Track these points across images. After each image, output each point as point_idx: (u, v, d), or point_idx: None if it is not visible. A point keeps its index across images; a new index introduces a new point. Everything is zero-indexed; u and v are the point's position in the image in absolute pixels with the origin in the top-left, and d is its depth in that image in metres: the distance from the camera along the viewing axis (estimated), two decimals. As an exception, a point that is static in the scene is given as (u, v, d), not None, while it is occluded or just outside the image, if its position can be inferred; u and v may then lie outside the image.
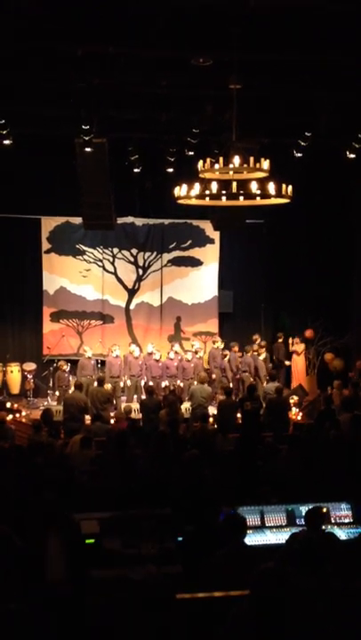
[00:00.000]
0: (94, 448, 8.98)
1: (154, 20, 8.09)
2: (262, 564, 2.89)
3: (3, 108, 11.12)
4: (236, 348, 14.98)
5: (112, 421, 11.72)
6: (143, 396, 13.32)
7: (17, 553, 5.04)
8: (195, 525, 5.95)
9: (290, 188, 9.77)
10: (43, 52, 9.18)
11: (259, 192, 9.39)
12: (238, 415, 12.11)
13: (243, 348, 15.11)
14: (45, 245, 15.84)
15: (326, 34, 8.37)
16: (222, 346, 15.05)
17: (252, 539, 5.29)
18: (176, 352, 14.74)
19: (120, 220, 14.74)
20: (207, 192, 9.63)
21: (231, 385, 14.13)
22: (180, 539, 5.93)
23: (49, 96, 10.99)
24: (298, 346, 15.59)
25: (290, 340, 15.65)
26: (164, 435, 8.69)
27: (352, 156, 12.13)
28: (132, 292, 16.32)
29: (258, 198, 9.73)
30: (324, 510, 5.90)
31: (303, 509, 5.91)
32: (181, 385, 14.20)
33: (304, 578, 3.67)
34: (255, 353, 14.79)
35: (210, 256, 16.49)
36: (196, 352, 14.95)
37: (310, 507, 5.71)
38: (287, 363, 15.65)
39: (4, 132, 11.59)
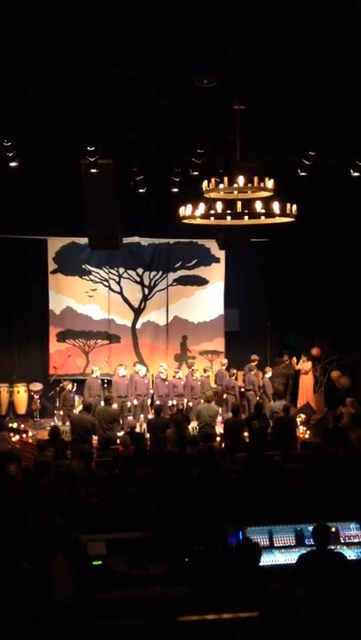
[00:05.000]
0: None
1: (158, 42, 8.17)
2: (272, 584, 2.86)
3: (9, 131, 11.22)
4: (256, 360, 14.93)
5: (118, 441, 11.70)
6: (150, 416, 13.29)
7: (22, 575, 5.01)
8: (202, 546, 5.91)
9: (294, 206, 9.81)
10: (47, 75, 9.27)
11: (263, 211, 9.43)
12: (245, 434, 12.06)
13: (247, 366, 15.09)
14: (51, 266, 15.91)
15: (328, 55, 8.42)
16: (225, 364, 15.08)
17: (261, 559, 5.24)
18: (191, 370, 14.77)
19: (126, 240, 14.80)
20: (212, 212, 9.68)
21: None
22: (188, 560, 5.89)
23: (54, 118, 11.09)
24: (305, 364, 15.55)
25: (293, 361, 15.58)
26: (171, 455, 8.66)
27: (356, 174, 12.17)
28: (138, 312, 16.34)
29: (262, 217, 9.77)
30: (333, 530, 5.86)
31: (312, 529, 5.85)
32: (190, 404, 14.18)
33: (314, 599, 3.63)
34: (253, 372, 14.78)
35: (215, 275, 16.52)
36: (205, 370, 14.93)
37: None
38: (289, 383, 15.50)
39: (11, 155, 11.68)
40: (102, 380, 14.61)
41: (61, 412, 14.02)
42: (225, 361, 15.43)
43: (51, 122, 11.23)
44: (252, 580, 4.72)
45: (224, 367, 15.14)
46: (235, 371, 14.89)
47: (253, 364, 14.99)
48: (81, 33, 7.83)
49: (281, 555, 6.08)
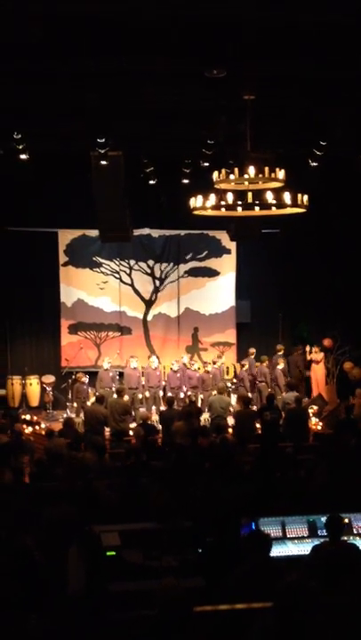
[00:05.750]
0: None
1: (167, 33, 8.12)
2: (286, 576, 2.87)
3: (18, 124, 11.22)
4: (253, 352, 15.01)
5: (130, 433, 11.74)
6: (162, 407, 13.31)
7: (36, 567, 5.04)
8: (215, 538, 5.92)
9: (305, 197, 9.75)
10: (57, 68, 9.25)
11: (274, 202, 9.39)
12: (257, 425, 12.06)
13: (259, 357, 15.10)
14: (62, 258, 15.93)
15: (339, 46, 8.35)
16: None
17: (273, 550, 5.24)
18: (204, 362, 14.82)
19: (136, 232, 14.79)
20: (223, 203, 9.64)
21: (250, 394, 14.10)
22: (201, 551, 5.90)
23: (64, 110, 11.07)
24: (317, 355, 15.51)
25: (307, 349, 15.58)
26: (181, 447, 8.67)
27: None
28: (149, 304, 16.35)
29: (273, 208, 9.73)
30: (346, 521, 5.85)
31: (325, 520, 5.85)
32: (201, 396, 14.20)
33: (327, 591, 3.63)
34: (267, 363, 14.79)
35: (226, 266, 16.49)
36: (213, 362, 14.95)
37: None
38: (307, 373, 15.56)
39: (21, 147, 11.69)
40: (115, 372, 14.65)
41: (75, 405, 14.07)
42: (253, 350, 15.34)
43: (60, 114, 11.22)
44: (263, 572, 4.73)
45: (252, 356, 15.10)
46: (245, 362, 14.92)
47: (280, 353, 15.00)
48: (90, 26, 7.80)
49: (294, 546, 6.09)
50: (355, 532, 6.23)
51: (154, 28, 8.01)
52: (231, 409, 12.98)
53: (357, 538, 6.14)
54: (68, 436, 10.46)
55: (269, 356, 15.13)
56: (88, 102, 10.32)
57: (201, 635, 3.72)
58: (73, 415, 13.55)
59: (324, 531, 5.74)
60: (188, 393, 14.26)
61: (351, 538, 6.07)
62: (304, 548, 5.85)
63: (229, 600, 4.43)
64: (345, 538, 5.78)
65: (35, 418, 13.94)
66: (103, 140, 10.92)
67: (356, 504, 6.55)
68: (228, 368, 15.73)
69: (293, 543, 6.11)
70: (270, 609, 2.81)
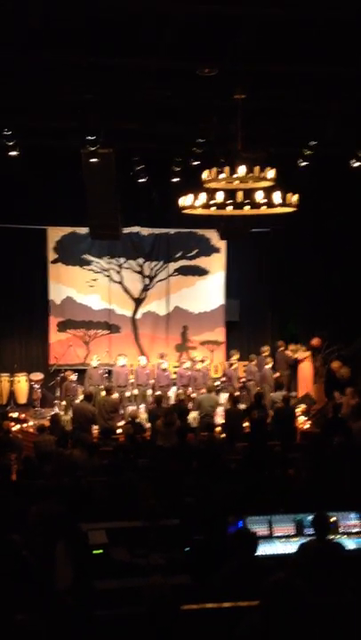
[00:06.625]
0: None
1: (159, 31, 8.13)
2: (273, 575, 2.88)
3: (9, 120, 11.18)
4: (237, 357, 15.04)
5: (119, 431, 11.74)
6: (151, 405, 13.32)
7: (24, 564, 5.04)
8: (203, 536, 5.94)
9: (295, 196, 9.78)
10: (48, 64, 9.23)
11: (264, 201, 9.41)
12: (246, 424, 12.09)
13: (248, 356, 15.14)
14: (52, 255, 15.89)
15: (329, 45, 8.39)
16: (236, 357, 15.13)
17: (260, 549, 5.27)
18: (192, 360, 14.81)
19: (126, 230, 14.77)
20: (213, 202, 9.66)
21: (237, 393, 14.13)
22: (188, 549, 5.91)
23: (55, 107, 11.05)
24: (303, 353, 15.53)
25: (290, 347, 15.59)
26: (160, 447, 8.68)
27: (357, 164, 12.13)
28: (138, 302, 16.34)
29: (263, 207, 9.75)
30: (332, 519, 5.89)
31: (311, 519, 5.88)
32: (194, 394, 14.23)
33: (314, 589, 3.65)
34: (255, 362, 14.82)
35: (216, 265, 16.51)
36: (202, 361, 14.97)
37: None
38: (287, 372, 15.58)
39: (11, 144, 11.64)
40: (104, 370, 14.64)
41: (63, 402, 14.05)
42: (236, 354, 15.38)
43: (51, 111, 11.19)
44: (250, 570, 4.74)
45: (253, 362, 15.12)
46: (233, 361, 14.95)
47: (267, 353, 15.08)
48: (82, 21, 7.79)
49: (281, 544, 6.11)
50: (341, 530, 6.27)
51: (146, 25, 8.01)
52: (219, 407, 13.00)
53: (344, 536, 6.18)
54: (54, 433, 10.45)
55: (258, 354, 15.16)
56: (79, 99, 10.30)
57: (188, 633, 3.73)
58: (62, 413, 13.54)
59: (311, 529, 5.77)
60: (179, 391, 14.27)
61: (338, 536, 6.11)
62: (291, 547, 5.88)
63: (216, 598, 4.45)
64: (331, 536, 5.81)
65: (23, 415, 13.91)
66: (94, 138, 10.89)
67: (343, 503, 6.59)
68: (216, 367, 15.76)
69: (280, 542, 6.14)
70: (257, 607, 2.82)
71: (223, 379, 15.02)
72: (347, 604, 4.14)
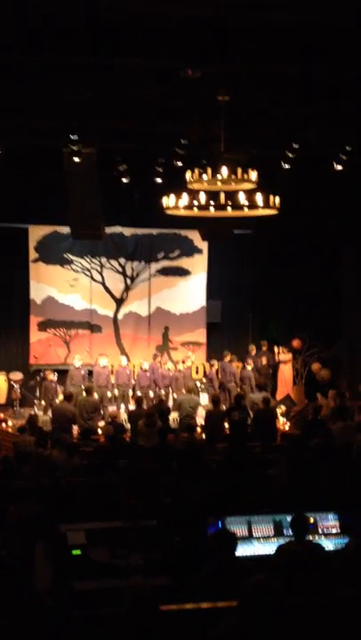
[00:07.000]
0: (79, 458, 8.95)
1: (143, 32, 8.12)
2: (252, 575, 2.89)
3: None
4: (228, 358, 15.09)
5: (99, 431, 11.71)
6: (131, 406, 13.30)
7: (2, 564, 5.01)
8: (182, 537, 5.94)
9: (277, 199, 9.83)
10: (32, 63, 9.19)
11: (246, 203, 9.44)
12: (226, 425, 12.11)
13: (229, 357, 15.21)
14: (33, 254, 15.81)
15: (313, 48, 8.43)
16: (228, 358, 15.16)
17: (239, 549, 5.28)
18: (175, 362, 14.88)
19: (108, 230, 14.74)
20: (195, 203, 9.67)
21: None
22: (167, 550, 5.91)
23: (37, 106, 11.00)
24: (285, 355, 15.62)
25: (275, 350, 15.69)
26: (141, 447, 8.67)
27: (339, 167, 12.21)
28: (119, 302, 16.31)
29: (246, 209, 9.78)
30: (311, 520, 5.92)
31: (290, 520, 5.90)
32: (175, 395, 14.25)
33: (292, 590, 3.67)
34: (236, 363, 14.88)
35: (198, 266, 16.52)
36: (183, 361, 14.98)
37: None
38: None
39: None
40: (85, 370, 14.60)
41: (43, 402, 13.99)
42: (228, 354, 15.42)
43: (33, 109, 11.13)
44: (229, 571, 4.75)
45: (228, 360, 15.15)
46: (214, 362, 14.99)
47: (252, 353, 15.15)
48: (67, 22, 7.76)
49: (260, 545, 6.13)
50: (320, 531, 6.30)
51: (130, 26, 8.00)
52: (200, 408, 13.02)
53: (323, 537, 6.21)
54: (32, 433, 10.39)
55: (239, 356, 15.22)
56: (62, 98, 10.27)
57: (167, 634, 3.73)
58: (41, 413, 13.47)
59: (290, 530, 5.79)
60: (162, 392, 14.29)
61: (317, 537, 6.14)
62: (270, 548, 5.89)
63: (195, 599, 4.45)
64: (310, 537, 5.84)
65: (2, 415, 13.82)
66: (76, 137, 10.86)
67: (322, 504, 6.62)
68: (197, 368, 15.78)
69: (260, 542, 6.16)
70: (236, 608, 2.83)
71: (204, 380, 15.06)
72: (325, 605, 4.16)
